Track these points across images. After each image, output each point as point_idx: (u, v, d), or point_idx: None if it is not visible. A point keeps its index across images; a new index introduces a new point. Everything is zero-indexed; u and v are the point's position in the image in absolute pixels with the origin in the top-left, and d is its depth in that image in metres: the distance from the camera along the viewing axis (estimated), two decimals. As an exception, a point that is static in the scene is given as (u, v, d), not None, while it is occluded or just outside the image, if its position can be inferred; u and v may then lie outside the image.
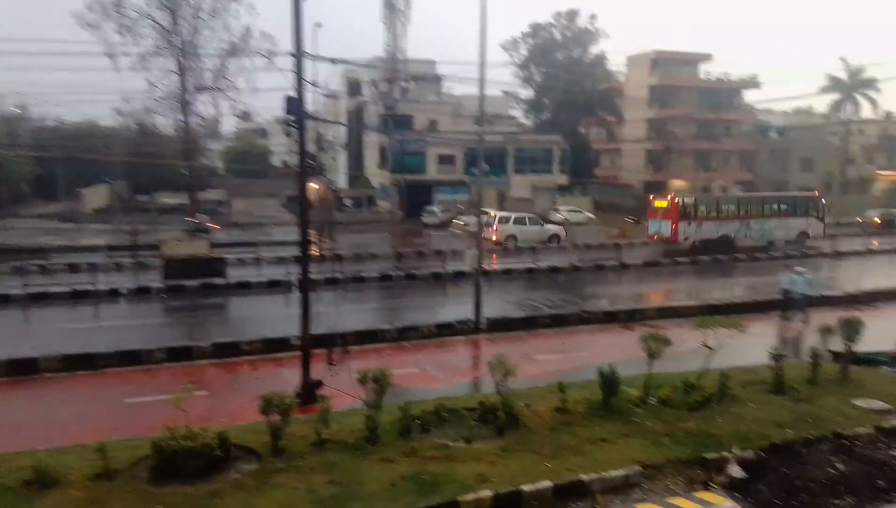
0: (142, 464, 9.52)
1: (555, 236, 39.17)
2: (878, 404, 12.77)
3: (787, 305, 21.47)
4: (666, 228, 36.21)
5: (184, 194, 47.87)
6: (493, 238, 36.66)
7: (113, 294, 23.97)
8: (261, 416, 9.96)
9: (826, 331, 14.11)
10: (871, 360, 15.56)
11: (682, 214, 35.96)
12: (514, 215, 39.74)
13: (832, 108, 72.48)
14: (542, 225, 40.05)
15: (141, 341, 17.08)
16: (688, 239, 35.94)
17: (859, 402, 12.82)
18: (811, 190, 46.34)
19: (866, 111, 72.20)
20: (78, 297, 23.44)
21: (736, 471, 9.93)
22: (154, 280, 25.37)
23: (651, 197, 39.92)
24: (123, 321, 20.75)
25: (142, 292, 24.32)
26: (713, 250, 34.64)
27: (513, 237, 37.69)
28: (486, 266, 23.14)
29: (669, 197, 38.22)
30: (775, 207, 38.97)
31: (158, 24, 40.31)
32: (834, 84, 69.89)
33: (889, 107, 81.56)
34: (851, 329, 14.13)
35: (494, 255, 32.92)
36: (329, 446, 10.20)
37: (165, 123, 47.52)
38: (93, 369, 15.51)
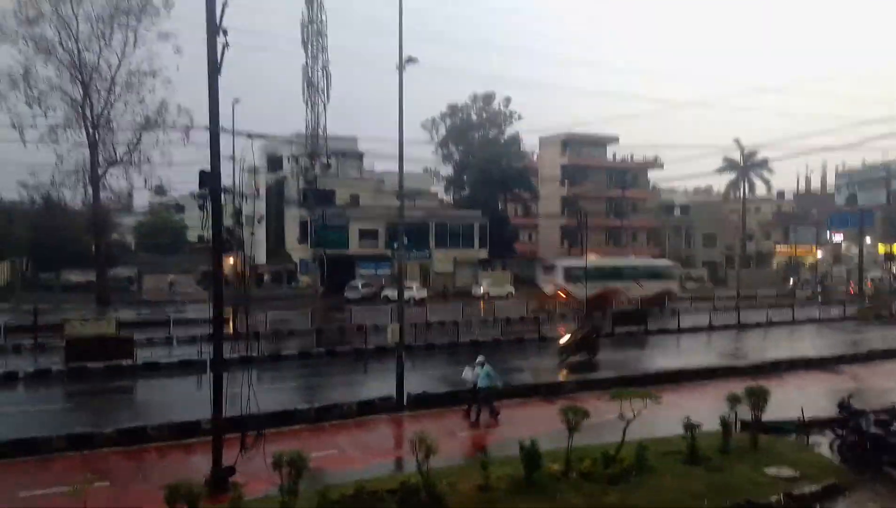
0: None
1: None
2: (787, 471, 13.24)
3: (472, 398, 18.09)
4: None
5: (91, 272, 45.80)
6: (809, 295, 54.95)
7: (9, 378, 22.45)
8: (167, 507, 9.39)
9: (734, 400, 14.64)
10: (777, 428, 16.16)
11: None
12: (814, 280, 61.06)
13: (729, 187, 77.78)
14: (828, 286, 57.99)
15: (38, 428, 15.89)
16: None
17: (770, 470, 13.26)
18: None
19: (760, 189, 77.97)
20: (-32, 383, 21.71)
21: (656, 544, 10.00)
22: (55, 363, 23.88)
23: None
24: (19, 408, 19.47)
25: (41, 376, 22.85)
26: None
27: (815, 293, 54.79)
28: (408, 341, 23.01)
29: None
30: None
31: (69, 96, 39.41)
32: (729, 165, 75.14)
33: (781, 185, 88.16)
34: (758, 398, 14.74)
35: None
36: (242, 537, 9.67)
37: (74, 197, 45.92)
38: (-18, 460, 14.24)
